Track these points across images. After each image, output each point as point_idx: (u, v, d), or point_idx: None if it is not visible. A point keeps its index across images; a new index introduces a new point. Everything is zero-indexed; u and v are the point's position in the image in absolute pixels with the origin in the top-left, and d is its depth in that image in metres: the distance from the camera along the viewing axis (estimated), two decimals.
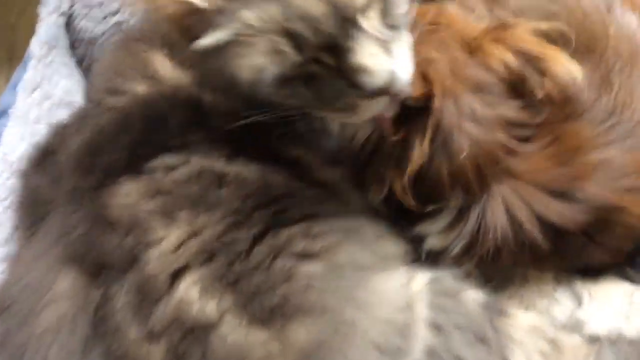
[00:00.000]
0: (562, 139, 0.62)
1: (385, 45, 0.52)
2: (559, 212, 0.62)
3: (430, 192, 0.62)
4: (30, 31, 0.79)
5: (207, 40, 0.51)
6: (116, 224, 0.57)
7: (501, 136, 0.61)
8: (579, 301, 0.67)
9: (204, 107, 0.62)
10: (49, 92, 0.74)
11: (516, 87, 0.61)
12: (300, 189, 0.62)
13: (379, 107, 0.56)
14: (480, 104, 0.60)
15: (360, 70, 0.51)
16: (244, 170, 0.61)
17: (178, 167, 0.60)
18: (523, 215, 0.61)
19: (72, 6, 0.80)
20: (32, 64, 0.75)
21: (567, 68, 0.60)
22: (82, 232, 0.57)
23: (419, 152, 0.61)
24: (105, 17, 0.81)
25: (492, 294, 0.63)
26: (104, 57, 0.76)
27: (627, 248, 0.67)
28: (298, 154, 0.64)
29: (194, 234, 0.56)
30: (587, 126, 0.63)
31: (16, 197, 0.69)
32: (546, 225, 0.62)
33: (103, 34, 0.81)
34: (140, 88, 0.64)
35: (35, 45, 0.76)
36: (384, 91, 0.53)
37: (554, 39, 0.62)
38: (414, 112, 0.61)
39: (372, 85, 0.52)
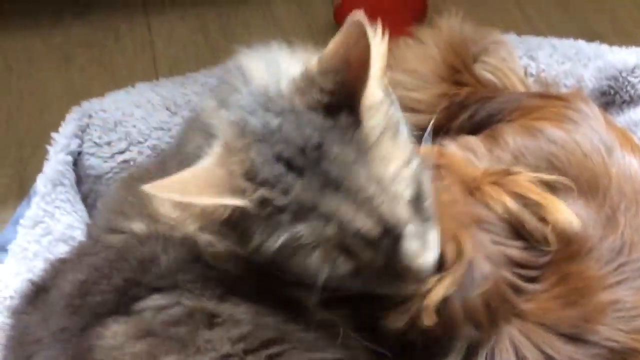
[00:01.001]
0: (568, 279, 0.60)
1: (423, 238, 0.57)
2: (571, 355, 0.58)
3: (442, 327, 0.60)
4: (42, 167, 0.82)
5: (256, 241, 0.55)
6: None
7: (508, 275, 0.60)
8: None
9: (199, 245, 0.61)
10: (50, 227, 0.75)
11: (516, 229, 0.61)
12: (295, 331, 0.59)
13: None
14: (488, 240, 0.60)
15: (408, 270, 0.56)
16: (236, 310, 0.58)
17: (168, 308, 0.58)
18: (533, 358, 0.58)
19: (81, 145, 0.83)
20: (35, 200, 0.76)
21: (566, 216, 0.60)
22: None
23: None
24: (112, 155, 0.83)
25: None
26: (107, 195, 0.77)
27: None
28: (293, 292, 0.62)
29: None
30: (594, 266, 0.61)
31: (5, 335, 0.66)
32: None
33: (110, 171, 0.83)
34: (138, 227, 0.64)
35: (41, 183, 0.78)
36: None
37: (555, 187, 0.64)
38: None
39: (417, 279, 0.58)
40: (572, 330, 0.59)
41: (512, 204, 0.61)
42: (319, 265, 0.54)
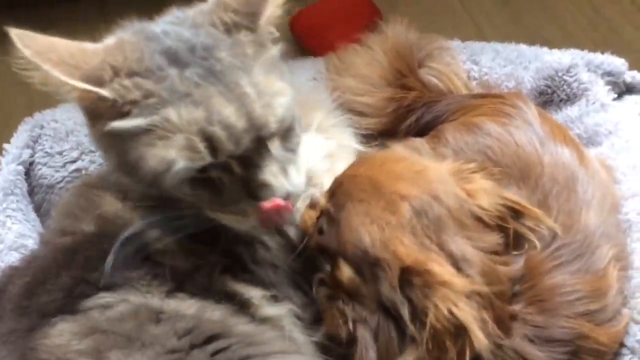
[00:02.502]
0: (532, 276, 0.61)
1: (283, 166, 0.59)
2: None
3: None
4: None
5: (121, 124, 0.56)
6: None
7: (507, 307, 0.60)
8: None
9: (148, 244, 0.63)
10: (1, 236, 0.75)
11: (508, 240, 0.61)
12: (240, 325, 0.60)
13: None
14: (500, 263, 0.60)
15: (263, 185, 0.58)
16: (182, 305, 0.59)
17: (115, 306, 0.59)
18: None
19: (32, 155, 0.83)
20: None
21: (548, 224, 0.61)
22: None
23: None
24: (64, 165, 0.84)
25: None
26: (59, 203, 0.78)
27: None
28: (239, 289, 0.63)
29: None
30: (533, 252, 0.62)
31: None
32: None
33: (62, 180, 0.84)
34: (88, 228, 0.65)
35: None
36: None
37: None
38: None
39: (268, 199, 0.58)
40: (541, 332, 0.60)
41: (510, 218, 0.61)
42: (177, 154, 0.55)
